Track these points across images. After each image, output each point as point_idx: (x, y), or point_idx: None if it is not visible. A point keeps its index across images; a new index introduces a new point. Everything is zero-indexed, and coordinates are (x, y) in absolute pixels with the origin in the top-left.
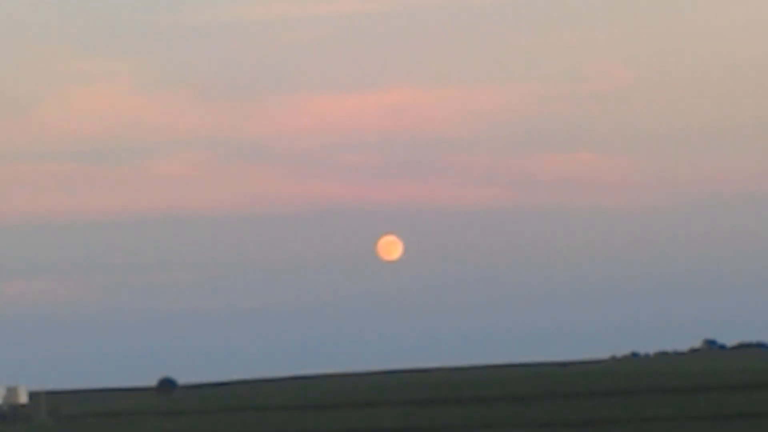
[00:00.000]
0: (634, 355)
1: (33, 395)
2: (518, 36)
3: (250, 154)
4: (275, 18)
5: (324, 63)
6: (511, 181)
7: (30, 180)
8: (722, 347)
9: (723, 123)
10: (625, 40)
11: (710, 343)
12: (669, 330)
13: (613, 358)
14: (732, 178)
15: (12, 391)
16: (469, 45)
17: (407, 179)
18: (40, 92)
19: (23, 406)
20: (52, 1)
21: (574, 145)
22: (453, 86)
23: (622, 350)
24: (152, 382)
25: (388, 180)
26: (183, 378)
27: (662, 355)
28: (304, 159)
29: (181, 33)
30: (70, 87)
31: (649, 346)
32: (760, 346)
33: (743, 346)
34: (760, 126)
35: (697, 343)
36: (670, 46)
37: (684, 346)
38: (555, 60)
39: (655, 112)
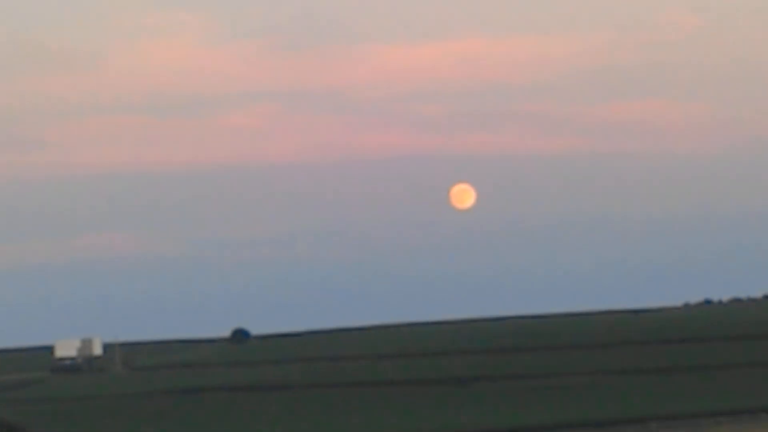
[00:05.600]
0: (707, 302)
1: (107, 347)
2: None
3: (320, 104)
4: None
5: (395, 12)
6: (582, 128)
7: (102, 132)
8: None
9: None
10: None
11: None
12: (742, 276)
13: (687, 305)
14: None
15: (87, 343)
16: None
17: (479, 128)
18: (111, 46)
19: (98, 357)
20: None
21: (644, 92)
22: (524, 35)
23: (695, 297)
24: (226, 332)
25: (460, 129)
26: (256, 329)
27: (736, 301)
28: (375, 109)
29: None
30: (140, 40)
31: (722, 292)
32: None
33: None
34: None
35: None
36: None
37: (758, 293)
38: (625, 8)
39: (725, 58)
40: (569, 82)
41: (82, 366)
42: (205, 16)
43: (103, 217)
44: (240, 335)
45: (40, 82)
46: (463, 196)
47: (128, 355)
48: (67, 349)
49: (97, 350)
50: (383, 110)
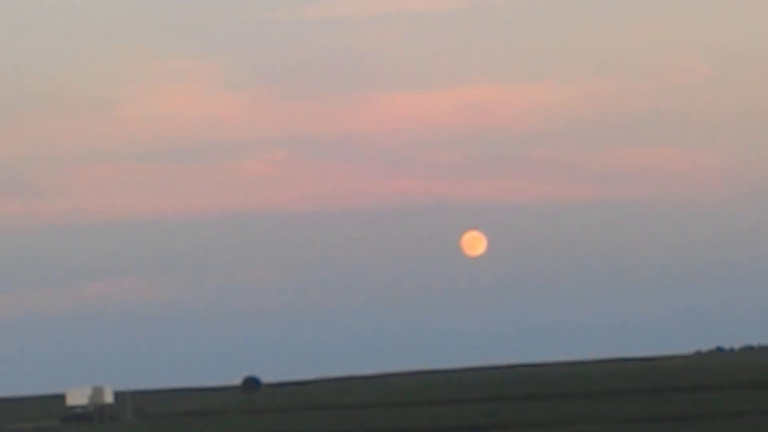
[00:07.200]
0: (719, 349)
1: (118, 395)
2: (598, 31)
3: (333, 151)
4: (357, 16)
5: (405, 60)
6: (593, 175)
7: (114, 179)
8: None
9: None
10: (705, 34)
11: None
12: (754, 324)
13: (698, 353)
14: None
15: (98, 391)
16: (549, 40)
17: (490, 175)
18: (124, 92)
19: (109, 405)
20: (136, 0)
21: (655, 139)
22: (534, 82)
23: (707, 345)
24: (237, 380)
25: (471, 176)
26: (267, 376)
27: (747, 349)
28: (386, 156)
29: (264, 31)
30: (153, 86)
31: (734, 340)
32: None
33: None
34: None
35: None
36: (749, 38)
37: None
38: (635, 54)
39: (736, 105)
40: (580, 129)
41: (93, 414)
42: (215, 63)
43: (114, 264)
44: (251, 383)
45: (50, 128)
46: (474, 243)
47: (139, 403)
48: (78, 397)
49: (109, 398)
50: (393, 157)
